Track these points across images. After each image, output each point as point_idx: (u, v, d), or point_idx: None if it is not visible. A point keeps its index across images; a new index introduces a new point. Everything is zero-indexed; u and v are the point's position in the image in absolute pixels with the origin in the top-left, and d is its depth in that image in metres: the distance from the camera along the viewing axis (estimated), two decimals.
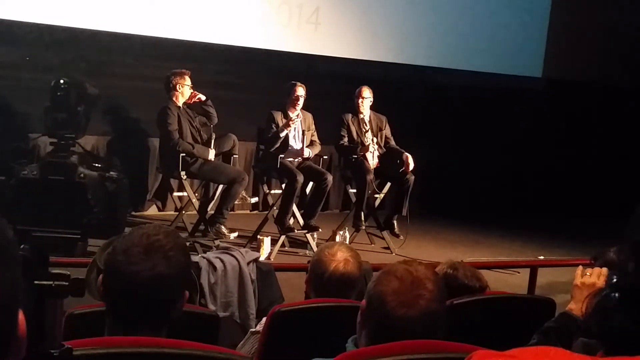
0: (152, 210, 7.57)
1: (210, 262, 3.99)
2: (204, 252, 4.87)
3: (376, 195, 7.15)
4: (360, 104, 6.99)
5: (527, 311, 3.11)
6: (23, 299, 0.95)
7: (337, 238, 6.61)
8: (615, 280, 1.14)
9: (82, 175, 5.69)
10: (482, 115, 9.01)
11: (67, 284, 1.21)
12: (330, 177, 6.75)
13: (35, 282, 1.17)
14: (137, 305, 1.82)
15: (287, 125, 6.63)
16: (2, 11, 6.70)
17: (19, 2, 6.81)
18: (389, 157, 7.05)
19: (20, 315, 0.94)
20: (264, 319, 2.69)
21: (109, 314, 1.87)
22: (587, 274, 2.38)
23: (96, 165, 6.03)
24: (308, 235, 6.64)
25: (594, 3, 9.73)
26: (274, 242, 6.43)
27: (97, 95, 6.04)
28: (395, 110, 7.38)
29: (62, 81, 5.77)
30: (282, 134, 6.63)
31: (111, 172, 5.82)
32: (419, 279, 1.88)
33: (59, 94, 5.72)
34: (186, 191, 6.65)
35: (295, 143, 6.81)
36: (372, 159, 6.92)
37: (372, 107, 7.07)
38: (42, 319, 1.17)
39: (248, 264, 4.08)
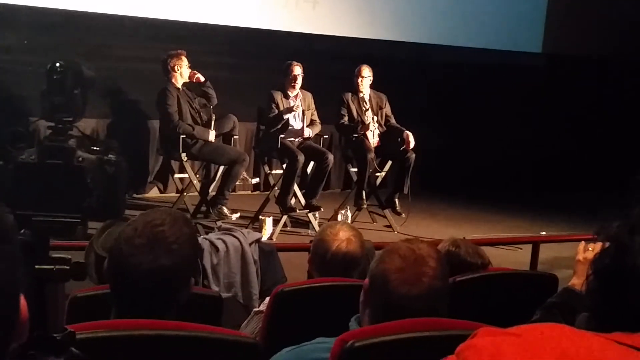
0: (154, 193, 7.57)
1: (212, 243, 4.00)
2: (206, 233, 4.87)
3: (377, 174, 7.14)
4: (360, 82, 6.97)
5: (529, 287, 3.11)
6: (24, 284, 0.95)
7: (339, 217, 6.62)
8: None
9: (80, 158, 5.67)
10: (482, 92, 8.98)
11: (68, 267, 1.21)
12: (331, 157, 6.75)
13: (36, 266, 1.17)
14: (141, 293, 1.81)
15: (289, 111, 6.62)
16: None
17: None
18: (389, 135, 7.03)
19: (22, 300, 0.94)
20: (267, 299, 2.69)
21: (113, 299, 1.87)
22: (590, 249, 2.38)
23: (95, 148, 6.01)
24: (310, 215, 6.65)
25: None
26: (275, 223, 6.43)
27: (94, 78, 6.01)
28: (395, 89, 7.35)
29: (58, 64, 5.72)
30: (286, 117, 6.62)
31: (110, 155, 5.81)
32: (421, 257, 1.88)
33: (55, 77, 5.68)
34: (187, 173, 6.64)
35: (295, 123, 6.80)
36: (373, 137, 6.91)
37: (372, 86, 7.05)
38: (43, 303, 1.17)
39: (250, 244, 4.08)
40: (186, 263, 1.85)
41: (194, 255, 1.94)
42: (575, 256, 2.49)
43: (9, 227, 0.91)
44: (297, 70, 6.68)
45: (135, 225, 1.84)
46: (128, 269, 1.80)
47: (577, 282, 2.39)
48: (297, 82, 6.69)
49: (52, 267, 1.19)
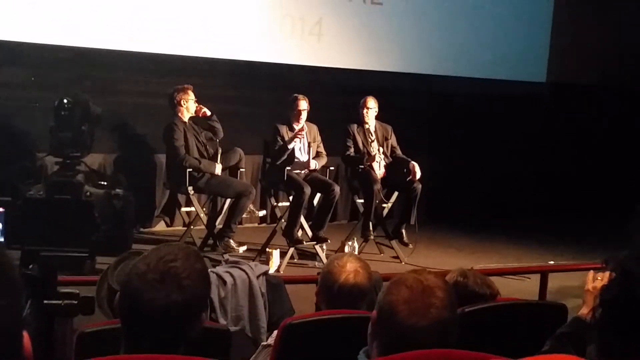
0: (161, 226, 7.57)
1: (219, 277, 3.99)
2: (214, 266, 4.86)
3: (384, 205, 7.14)
4: (365, 114, 6.99)
5: (539, 317, 3.09)
6: (32, 319, 0.95)
7: (346, 249, 6.60)
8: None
9: (88, 193, 5.70)
10: (487, 122, 8.99)
11: (76, 302, 1.21)
12: (337, 188, 6.75)
13: (45, 301, 1.17)
14: (153, 328, 1.80)
15: (294, 138, 6.64)
16: (8, 33, 6.74)
17: (23, 23, 6.84)
18: (395, 166, 7.04)
19: (25, 336, 0.94)
20: (275, 332, 2.68)
21: (124, 333, 1.86)
22: (599, 278, 2.37)
23: (102, 183, 6.05)
24: (317, 247, 6.63)
25: (596, 7, 9.72)
26: (283, 255, 6.42)
27: (101, 113, 6.06)
28: (401, 120, 7.38)
29: (65, 100, 5.79)
30: (290, 146, 6.64)
31: (117, 190, 5.84)
32: (429, 288, 1.87)
33: (63, 113, 5.74)
34: (194, 206, 6.65)
35: (301, 155, 6.82)
36: (379, 168, 6.92)
37: (377, 117, 7.07)
38: (51, 338, 1.17)
39: (257, 277, 4.07)
40: (198, 299, 1.84)
41: (206, 291, 1.92)
42: (585, 285, 2.48)
43: (10, 266, 0.91)
44: (303, 104, 6.71)
45: (147, 260, 1.83)
46: (141, 305, 1.79)
47: (586, 311, 2.38)
48: (302, 116, 6.72)
49: (61, 302, 1.19)
